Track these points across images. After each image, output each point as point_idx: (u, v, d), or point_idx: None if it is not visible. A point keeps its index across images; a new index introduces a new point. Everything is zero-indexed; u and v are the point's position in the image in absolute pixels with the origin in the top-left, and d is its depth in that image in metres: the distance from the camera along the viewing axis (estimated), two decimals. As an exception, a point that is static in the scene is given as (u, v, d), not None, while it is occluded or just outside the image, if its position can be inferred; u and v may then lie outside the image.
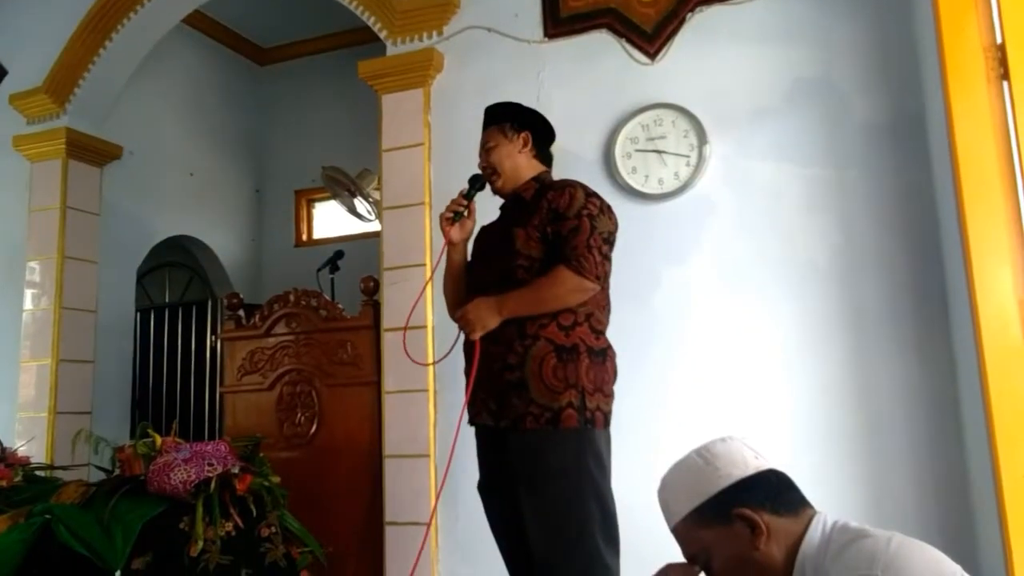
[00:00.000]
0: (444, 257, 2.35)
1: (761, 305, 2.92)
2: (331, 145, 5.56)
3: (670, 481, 1.34)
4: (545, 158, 2.37)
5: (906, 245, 2.77)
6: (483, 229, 2.40)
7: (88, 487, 2.49)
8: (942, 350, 2.66)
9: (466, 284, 2.32)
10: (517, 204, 2.27)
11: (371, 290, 3.57)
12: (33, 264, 4.20)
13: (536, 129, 2.32)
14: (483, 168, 2.33)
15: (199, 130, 5.42)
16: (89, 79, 4.26)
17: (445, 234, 2.28)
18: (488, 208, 2.43)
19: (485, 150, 2.33)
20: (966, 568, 1.10)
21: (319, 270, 4.30)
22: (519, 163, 2.29)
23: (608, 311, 2.20)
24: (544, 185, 2.26)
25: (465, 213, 2.29)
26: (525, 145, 2.29)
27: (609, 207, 2.19)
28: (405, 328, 2.67)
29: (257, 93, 6.04)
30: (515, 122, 2.31)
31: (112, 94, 4.43)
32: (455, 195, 2.36)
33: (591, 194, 2.17)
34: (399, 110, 3.55)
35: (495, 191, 2.34)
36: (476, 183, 2.34)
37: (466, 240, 2.35)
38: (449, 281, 2.37)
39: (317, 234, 6.00)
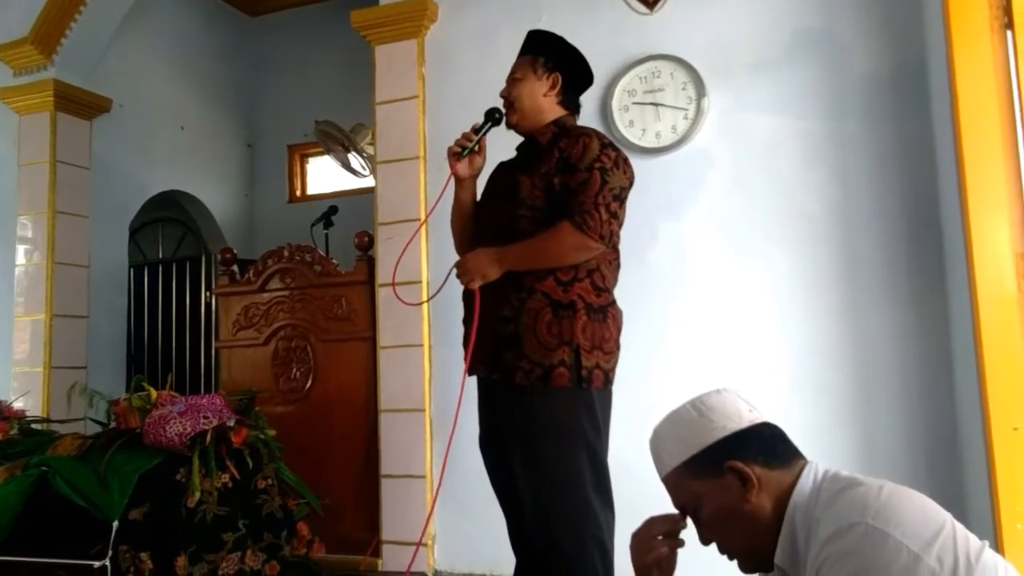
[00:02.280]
0: (449, 193, 2.21)
1: (757, 259, 2.91)
2: (324, 99, 5.48)
3: (663, 432, 1.33)
4: (573, 104, 2.20)
5: (904, 198, 2.75)
6: (499, 167, 2.28)
7: (84, 440, 2.50)
8: (937, 303, 2.66)
9: (473, 224, 2.21)
10: (531, 148, 2.15)
11: (366, 245, 3.55)
12: (24, 219, 4.17)
13: (570, 72, 2.17)
14: (503, 96, 2.19)
15: (189, 83, 5.33)
16: (76, 29, 4.17)
17: (452, 168, 2.15)
18: (508, 145, 2.27)
19: (511, 79, 2.17)
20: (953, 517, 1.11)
21: (313, 225, 4.27)
22: (541, 104, 2.13)
23: (617, 267, 2.12)
24: (562, 130, 2.12)
25: (475, 148, 2.15)
26: (552, 87, 2.14)
27: (625, 160, 2.05)
28: (395, 270, 2.62)
29: (248, 45, 5.93)
30: (550, 60, 2.14)
31: (99, 45, 4.34)
32: (451, 146, 2.20)
33: (607, 145, 2.03)
34: (393, 62, 3.49)
35: (509, 126, 2.19)
36: (491, 118, 2.19)
37: (474, 177, 2.21)
38: (456, 218, 2.25)
39: (311, 190, 5.95)
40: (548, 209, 2.01)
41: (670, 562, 1.32)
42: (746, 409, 1.28)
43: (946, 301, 2.63)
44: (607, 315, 2.04)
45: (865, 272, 2.78)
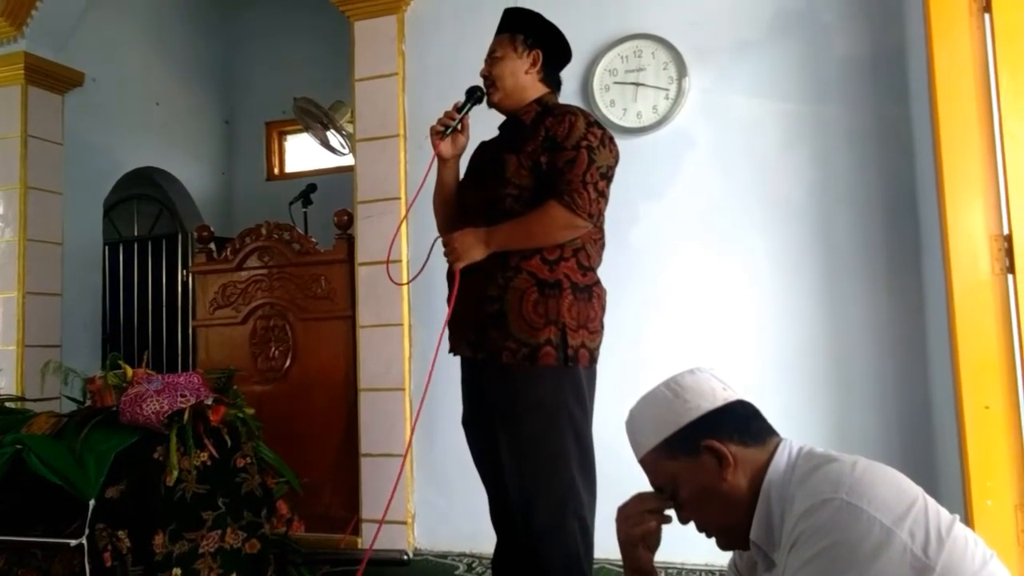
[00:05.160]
0: (432, 174, 2.19)
1: (736, 239, 2.93)
2: (302, 75, 5.41)
3: (638, 413, 1.33)
4: (553, 81, 2.19)
5: (881, 180, 2.78)
6: (481, 146, 2.26)
7: (59, 418, 2.46)
8: (912, 285, 2.70)
9: (456, 204, 2.20)
10: (515, 127, 2.13)
11: (345, 224, 3.52)
12: (-5, 195, 4.09)
13: (550, 49, 2.15)
14: (484, 76, 2.17)
15: (164, 57, 5.23)
16: (47, 1, 4.06)
17: (435, 148, 2.13)
18: (490, 124, 2.25)
19: (491, 58, 2.15)
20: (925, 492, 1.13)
21: (291, 203, 4.23)
22: (523, 82, 2.12)
23: (601, 246, 2.11)
24: (545, 109, 2.10)
25: (458, 127, 2.13)
26: (534, 65, 2.12)
27: (611, 138, 2.05)
28: (388, 255, 2.62)
29: (225, 19, 5.82)
30: (530, 37, 2.13)
31: (72, 17, 4.24)
32: (434, 125, 2.16)
33: (592, 123, 2.02)
34: (372, 38, 3.45)
35: (491, 104, 2.18)
36: (473, 96, 2.16)
37: (457, 156, 2.19)
38: (439, 199, 2.23)
39: (289, 167, 5.89)
40: (534, 188, 2.00)
41: (656, 537, 1.33)
42: (720, 388, 1.28)
43: (921, 282, 2.67)
44: (592, 294, 2.04)
45: (842, 253, 2.81)
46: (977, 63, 2.17)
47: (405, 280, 3.25)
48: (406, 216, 3.17)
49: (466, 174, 2.24)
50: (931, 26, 2.20)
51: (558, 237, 1.97)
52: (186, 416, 2.31)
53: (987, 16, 2.16)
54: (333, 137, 4.89)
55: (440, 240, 2.13)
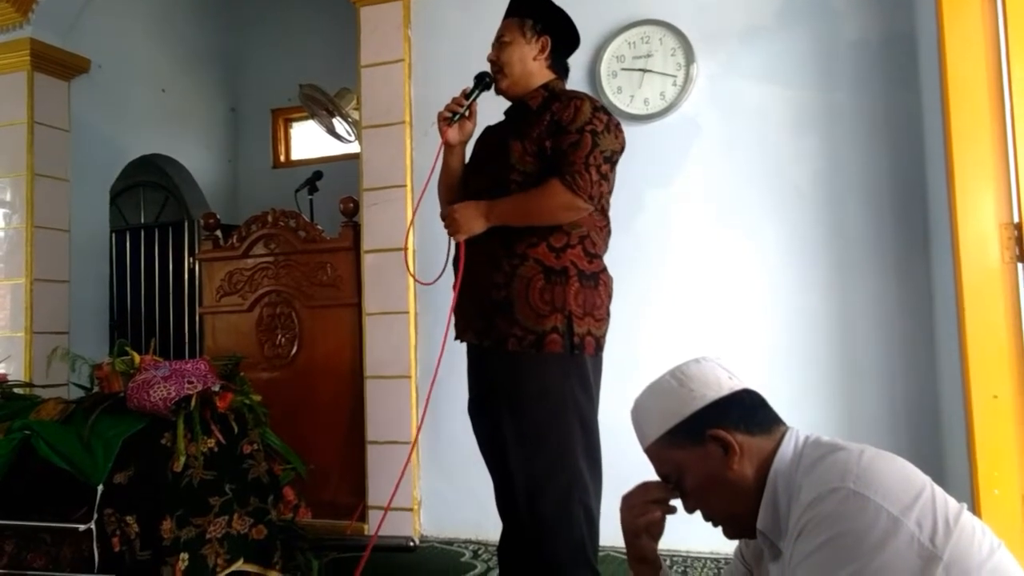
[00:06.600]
0: (439, 160, 2.18)
1: (744, 227, 2.92)
2: (308, 62, 5.40)
3: (644, 403, 1.33)
4: (561, 67, 2.18)
5: (890, 168, 2.75)
6: (487, 130, 2.25)
7: (67, 404, 2.48)
8: (921, 272, 2.68)
9: (460, 188, 2.19)
10: (521, 112, 2.12)
11: (351, 211, 3.52)
12: (2, 182, 4.09)
13: (559, 35, 2.15)
14: (491, 61, 2.15)
15: (170, 44, 5.22)
16: (52, -14, 4.07)
17: (442, 134, 2.12)
18: (497, 108, 2.24)
19: (499, 43, 2.13)
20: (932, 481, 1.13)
21: (297, 191, 4.23)
22: (531, 68, 2.11)
23: (607, 233, 2.10)
24: (552, 94, 2.08)
25: (466, 114, 2.12)
26: (542, 51, 2.11)
27: (617, 124, 2.03)
28: (405, 247, 2.62)
29: (230, 5, 5.80)
30: (539, 22, 2.11)
31: (77, 3, 4.24)
32: (442, 111, 2.15)
33: (599, 108, 2.00)
34: (378, 24, 3.43)
35: (498, 91, 2.16)
36: (482, 82, 2.14)
37: (464, 142, 2.18)
38: (444, 184, 2.22)
39: (295, 155, 5.88)
40: (539, 174, 1.99)
41: (660, 527, 1.33)
42: (726, 377, 1.28)
43: (930, 269, 2.65)
44: (599, 282, 2.04)
45: (851, 241, 2.80)
46: (989, 49, 2.14)
47: (412, 270, 3.24)
48: (416, 208, 3.15)
49: (471, 159, 2.23)
50: (942, 11, 2.17)
51: (558, 216, 1.96)
52: (193, 402, 2.32)
53: (999, 1, 2.13)
54: (339, 124, 4.88)
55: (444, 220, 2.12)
